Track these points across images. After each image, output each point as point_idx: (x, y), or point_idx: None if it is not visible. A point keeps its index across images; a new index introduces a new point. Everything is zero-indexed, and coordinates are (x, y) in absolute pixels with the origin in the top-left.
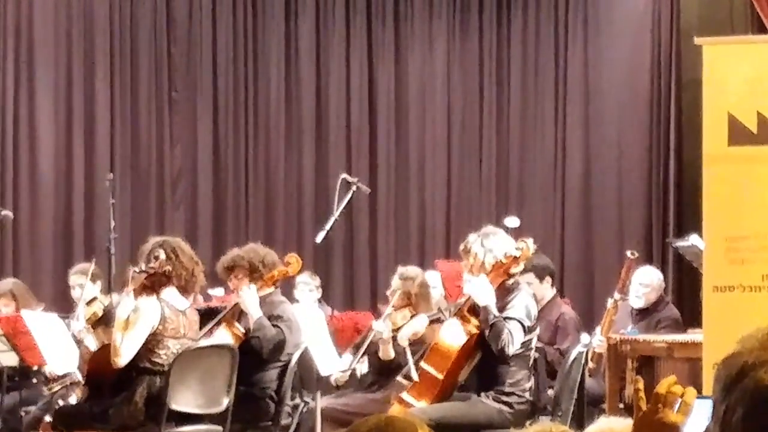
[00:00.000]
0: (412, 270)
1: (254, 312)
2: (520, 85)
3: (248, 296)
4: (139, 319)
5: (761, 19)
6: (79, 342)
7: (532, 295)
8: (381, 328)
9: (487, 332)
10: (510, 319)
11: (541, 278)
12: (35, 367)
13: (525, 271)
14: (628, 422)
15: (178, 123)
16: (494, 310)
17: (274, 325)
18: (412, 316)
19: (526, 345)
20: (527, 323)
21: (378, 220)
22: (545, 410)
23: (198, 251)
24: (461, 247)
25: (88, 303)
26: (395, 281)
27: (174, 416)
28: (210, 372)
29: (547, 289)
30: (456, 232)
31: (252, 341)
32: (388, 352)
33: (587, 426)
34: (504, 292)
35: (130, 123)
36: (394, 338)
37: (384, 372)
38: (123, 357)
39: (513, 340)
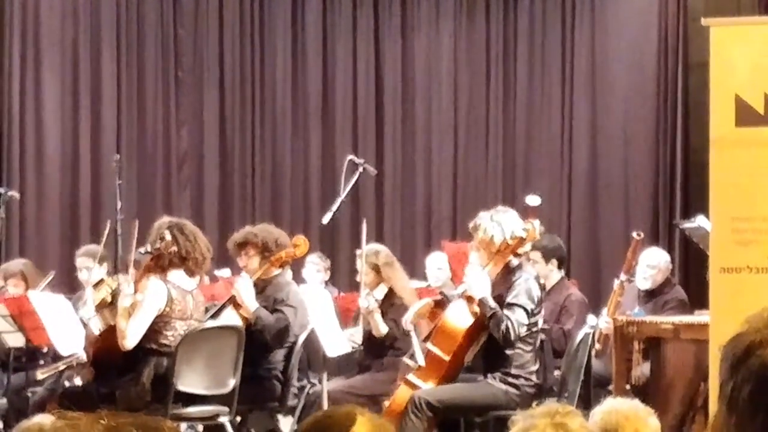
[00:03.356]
0: (370, 247)
1: (250, 304)
2: (527, 67)
3: (243, 288)
4: (146, 301)
5: None
6: (85, 324)
7: (535, 276)
8: (365, 303)
9: (487, 323)
10: (514, 305)
11: (547, 259)
12: (45, 349)
13: (533, 248)
14: (634, 403)
15: (184, 104)
16: (491, 302)
17: (276, 310)
18: (389, 289)
19: (531, 327)
20: (531, 306)
21: (384, 202)
22: (552, 391)
23: (204, 232)
24: (471, 224)
25: (95, 286)
26: (358, 263)
27: (181, 397)
28: (217, 353)
29: (552, 271)
30: (462, 213)
31: (254, 334)
32: (378, 328)
33: (594, 407)
34: (507, 273)
35: (136, 104)
36: (383, 313)
37: (377, 351)
38: (130, 339)
39: (517, 326)
